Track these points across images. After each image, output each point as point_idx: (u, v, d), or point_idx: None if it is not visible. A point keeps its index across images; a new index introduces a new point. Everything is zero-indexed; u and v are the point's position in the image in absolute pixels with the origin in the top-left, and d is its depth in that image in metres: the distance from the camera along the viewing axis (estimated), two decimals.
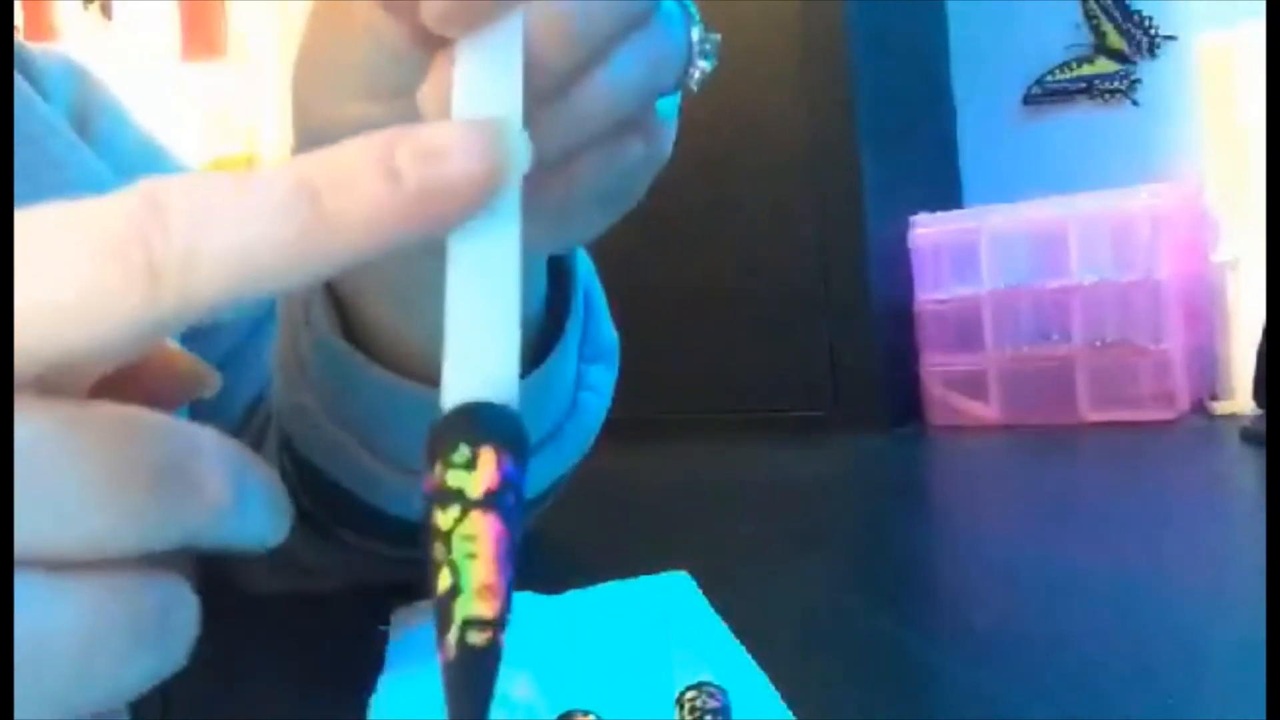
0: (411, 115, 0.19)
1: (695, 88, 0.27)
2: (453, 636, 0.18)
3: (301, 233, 0.18)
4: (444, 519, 0.18)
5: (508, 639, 0.18)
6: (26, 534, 0.17)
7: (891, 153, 1.26)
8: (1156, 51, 1.36)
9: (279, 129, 1.91)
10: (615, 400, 0.46)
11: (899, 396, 1.21)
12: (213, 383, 0.24)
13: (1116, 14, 1.37)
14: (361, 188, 0.18)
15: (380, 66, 0.27)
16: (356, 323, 0.40)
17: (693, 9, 0.27)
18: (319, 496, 0.44)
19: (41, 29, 1.93)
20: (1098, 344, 1.12)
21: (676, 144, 0.29)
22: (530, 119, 0.21)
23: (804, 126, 1.21)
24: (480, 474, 0.18)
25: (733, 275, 1.26)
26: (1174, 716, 0.32)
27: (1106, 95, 1.38)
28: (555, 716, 0.31)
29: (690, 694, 0.31)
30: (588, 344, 0.43)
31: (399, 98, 0.25)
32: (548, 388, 0.41)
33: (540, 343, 0.40)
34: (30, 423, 0.17)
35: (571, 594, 0.44)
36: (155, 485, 0.18)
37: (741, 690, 0.33)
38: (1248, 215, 1.09)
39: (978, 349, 1.18)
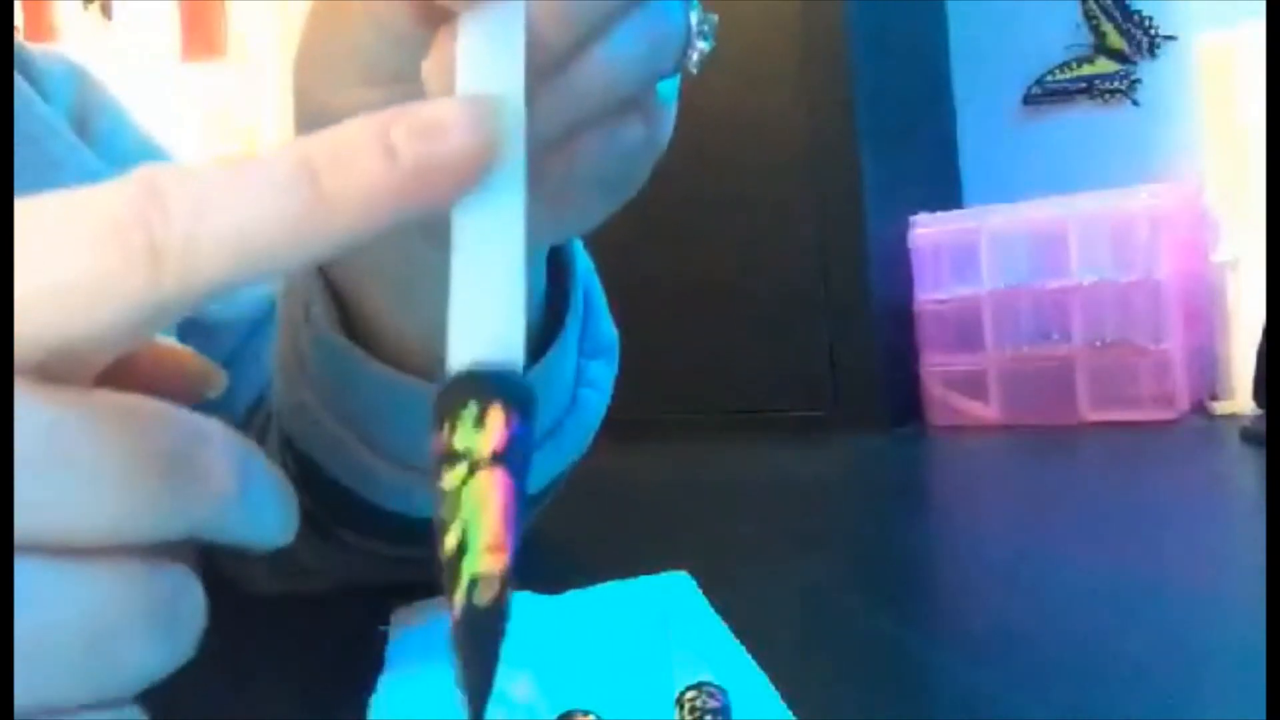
0: (410, 100, 0.19)
1: (695, 69, 0.28)
2: (460, 594, 0.18)
3: (301, 212, 0.18)
4: (452, 478, 0.18)
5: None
6: (35, 519, 0.17)
7: (891, 153, 1.26)
8: (1156, 51, 1.36)
9: (279, 129, 1.91)
10: (615, 400, 0.46)
11: (899, 396, 1.21)
12: (219, 381, 0.24)
13: (1116, 14, 1.37)
14: (360, 166, 0.18)
15: (380, 51, 0.27)
16: (356, 319, 0.40)
17: None
18: (318, 495, 0.44)
19: (41, 29, 1.94)
20: (1098, 344, 1.12)
21: (676, 144, 0.29)
22: (531, 96, 0.21)
23: (804, 126, 1.21)
24: (488, 433, 0.18)
25: (733, 275, 1.26)
26: (1174, 716, 0.32)
27: (1106, 95, 1.38)
28: (555, 716, 0.31)
29: (690, 694, 0.31)
30: (587, 340, 0.43)
31: (398, 83, 0.26)
32: (547, 383, 0.41)
33: (540, 339, 0.40)
34: (37, 408, 0.17)
35: (571, 594, 0.44)
36: (164, 473, 0.18)
37: (741, 690, 0.33)
38: (1248, 215, 1.09)
39: (978, 349, 1.18)
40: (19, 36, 0.60)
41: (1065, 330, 1.15)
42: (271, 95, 1.92)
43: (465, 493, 0.18)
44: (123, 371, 0.19)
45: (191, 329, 0.37)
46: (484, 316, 0.19)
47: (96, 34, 1.96)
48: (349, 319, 0.40)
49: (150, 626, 0.18)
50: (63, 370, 0.18)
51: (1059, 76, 1.40)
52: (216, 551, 0.20)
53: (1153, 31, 1.35)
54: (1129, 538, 0.60)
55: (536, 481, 0.44)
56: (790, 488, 0.89)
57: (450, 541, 0.18)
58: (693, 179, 1.20)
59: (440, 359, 0.19)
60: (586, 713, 0.31)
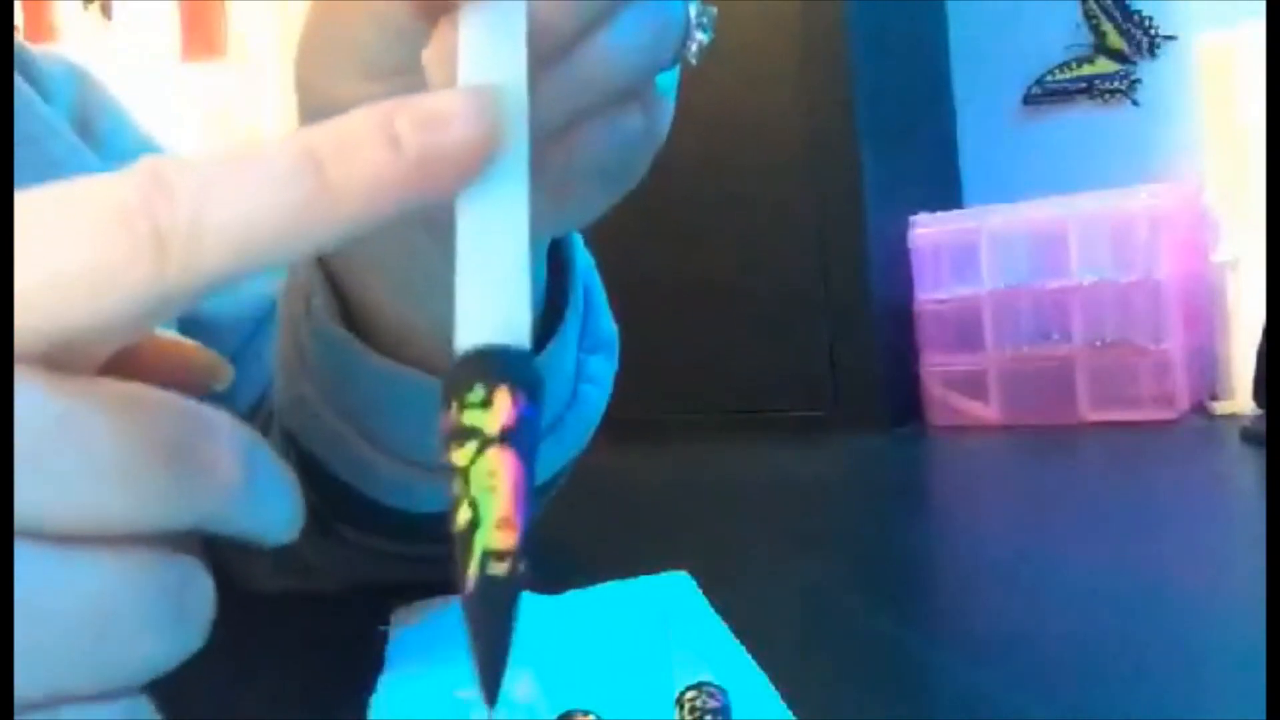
0: (411, 93, 0.19)
1: (694, 61, 0.28)
2: (473, 569, 0.18)
3: (306, 201, 0.18)
4: (461, 456, 0.18)
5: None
6: (44, 509, 0.17)
7: (891, 153, 1.26)
8: (1156, 51, 1.36)
9: (279, 129, 1.91)
10: (614, 400, 0.46)
11: (899, 396, 1.21)
12: (226, 374, 0.24)
13: (1116, 14, 1.37)
14: (364, 156, 0.18)
15: (381, 45, 0.28)
16: (357, 312, 0.40)
17: None
18: (319, 491, 0.44)
19: (41, 29, 1.94)
20: (1098, 344, 1.12)
21: (677, 143, 0.29)
22: (533, 83, 0.21)
23: (804, 126, 1.21)
24: (496, 412, 0.18)
25: (733, 274, 1.26)
26: (1174, 716, 0.32)
27: (1106, 95, 1.38)
28: (555, 716, 0.31)
29: (690, 694, 0.31)
30: (587, 335, 0.43)
31: (399, 76, 0.26)
32: (548, 378, 0.41)
33: (540, 333, 0.40)
34: (46, 397, 0.17)
35: (571, 594, 0.44)
36: (170, 463, 0.18)
37: (741, 690, 0.33)
38: (1248, 215, 1.09)
39: (978, 349, 1.18)
40: (19, 37, 0.60)
41: (1065, 330, 1.15)
42: (272, 95, 1.92)
43: (474, 470, 0.18)
44: (124, 364, 0.19)
45: (194, 327, 0.37)
46: (491, 301, 0.19)
47: (96, 34, 1.96)
48: (349, 312, 0.40)
49: (158, 616, 0.18)
50: (66, 361, 0.18)
51: (1059, 76, 1.40)
52: (220, 547, 0.20)
53: (1153, 31, 1.35)
54: (1129, 538, 0.60)
55: (538, 475, 0.44)
56: (790, 488, 0.89)
57: (462, 517, 0.18)
58: (692, 178, 1.20)
59: (441, 352, 0.19)
60: (586, 713, 0.31)
